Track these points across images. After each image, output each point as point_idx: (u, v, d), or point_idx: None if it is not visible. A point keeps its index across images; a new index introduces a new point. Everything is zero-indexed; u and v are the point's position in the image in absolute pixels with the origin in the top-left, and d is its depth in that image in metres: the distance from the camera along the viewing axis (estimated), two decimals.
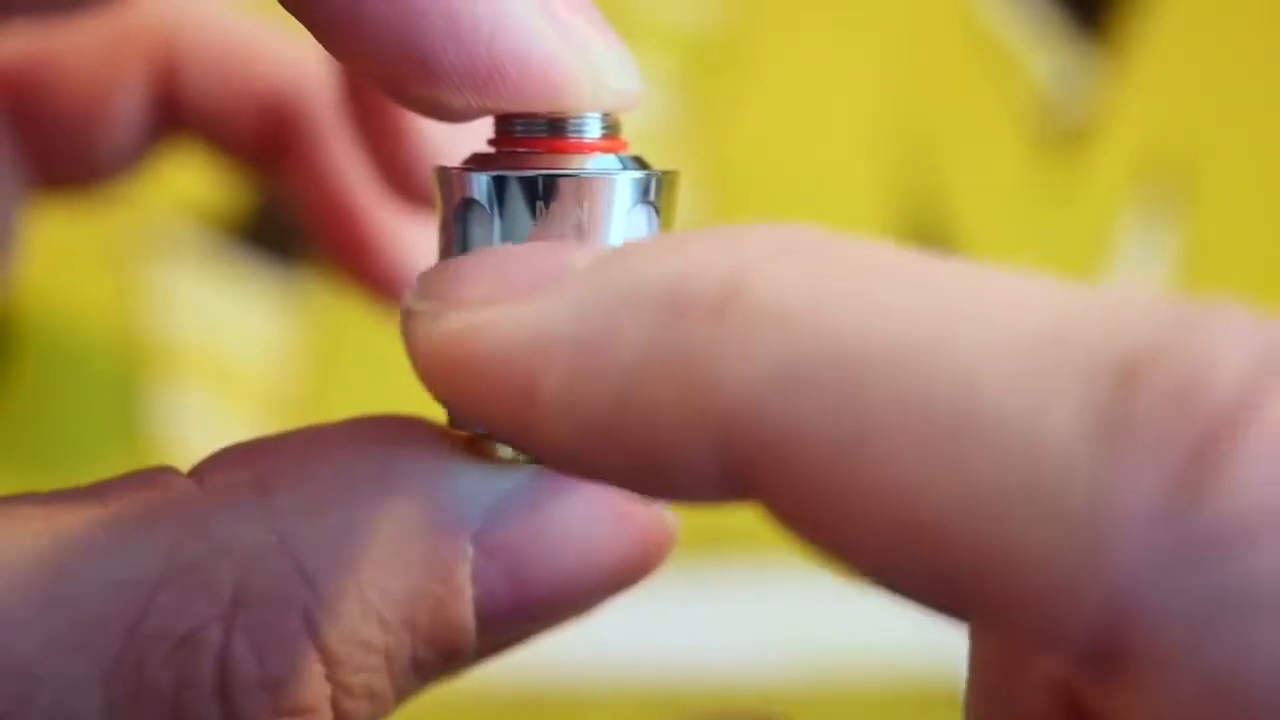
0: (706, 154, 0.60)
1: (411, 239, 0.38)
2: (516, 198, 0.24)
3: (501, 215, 0.24)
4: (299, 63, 0.38)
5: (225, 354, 0.60)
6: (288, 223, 0.59)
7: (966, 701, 0.24)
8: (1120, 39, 0.63)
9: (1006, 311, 0.19)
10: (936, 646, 0.61)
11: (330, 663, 0.24)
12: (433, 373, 0.23)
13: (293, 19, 0.24)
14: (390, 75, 0.24)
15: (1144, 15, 0.62)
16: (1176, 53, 0.62)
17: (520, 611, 0.25)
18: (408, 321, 0.23)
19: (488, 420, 0.22)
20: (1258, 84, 0.63)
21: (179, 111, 0.38)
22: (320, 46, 0.25)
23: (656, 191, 0.25)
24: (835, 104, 0.62)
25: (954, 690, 0.69)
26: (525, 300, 0.22)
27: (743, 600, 0.61)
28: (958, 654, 0.65)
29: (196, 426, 0.58)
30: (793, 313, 0.20)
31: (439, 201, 0.25)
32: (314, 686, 0.24)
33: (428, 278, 0.23)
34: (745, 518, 0.64)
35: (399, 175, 0.35)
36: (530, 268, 0.22)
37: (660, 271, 0.21)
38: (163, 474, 0.24)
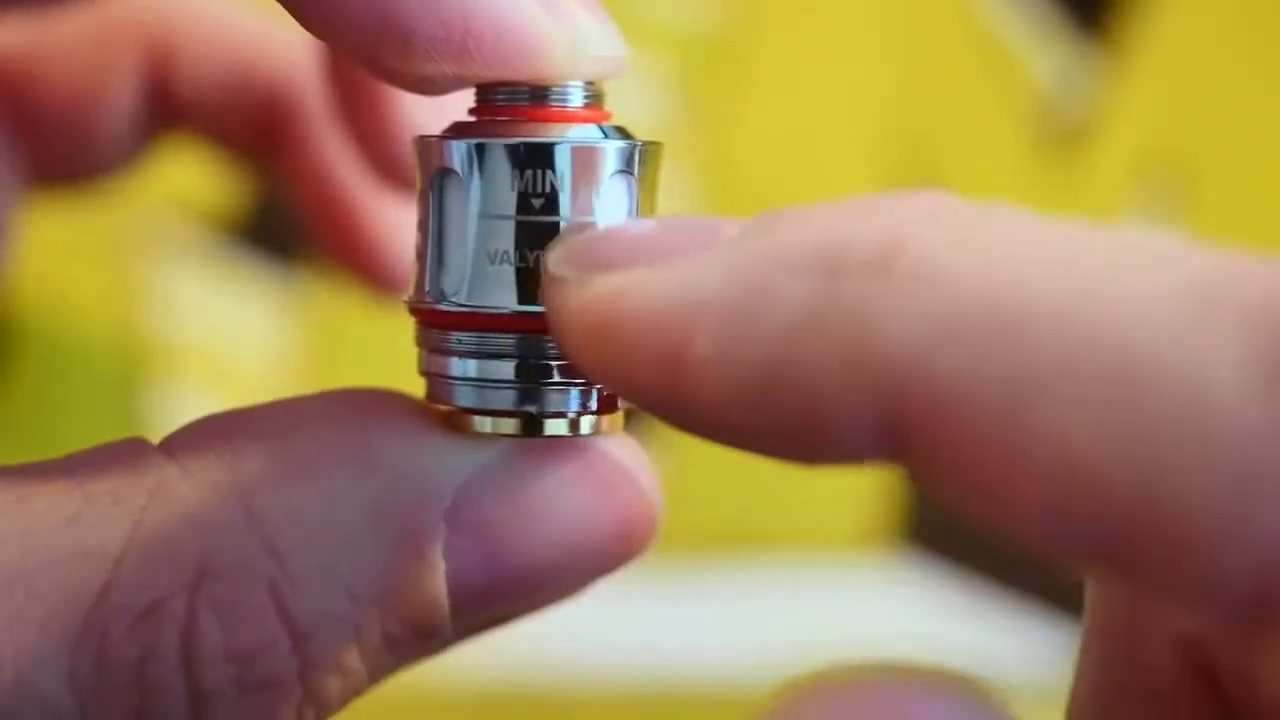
0: (706, 154, 0.60)
1: (403, 226, 0.38)
2: (495, 165, 0.24)
3: (480, 183, 0.24)
4: (291, 53, 0.38)
5: (225, 354, 0.60)
6: (288, 223, 0.59)
7: (1080, 664, 0.24)
8: (1120, 39, 0.63)
9: (1154, 267, 0.19)
10: (936, 647, 0.61)
11: (298, 637, 0.23)
12: (578, 338, 0.22)
13: (273, 2, 0.24)
14: (367, 47, 0.24)
15: (1144, 15, 0.62)
16: (1176, 53, 0.62)
17: (496, 589, 0.24)
18: (551, 288, 0.23)
19: (635, 385, 0.22)
20: (1258, 84, 0.63)
21: (173, 104, 0.38)
22: (305, 31, 0.24)
23: (637, 161, 0.25)
24: (835, 104, 0.62)
25: None
26: (675, 263, 0.22)
27: (742, 600, 0.61)
28: (957, 654, 0.65)
29: None
30: (951, 273, 0.20)
31: (417, 171, 0.25)
32: (282, 660, 0.23)
33: (570, 243, 0.23)
34: (744, 518, 0.64)
35: (388, 162, 0.35)
36: (678, 233, 0.22)
37: (814, 235, 0.21)
38: (133, 445, 0.24)
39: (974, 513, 0.20)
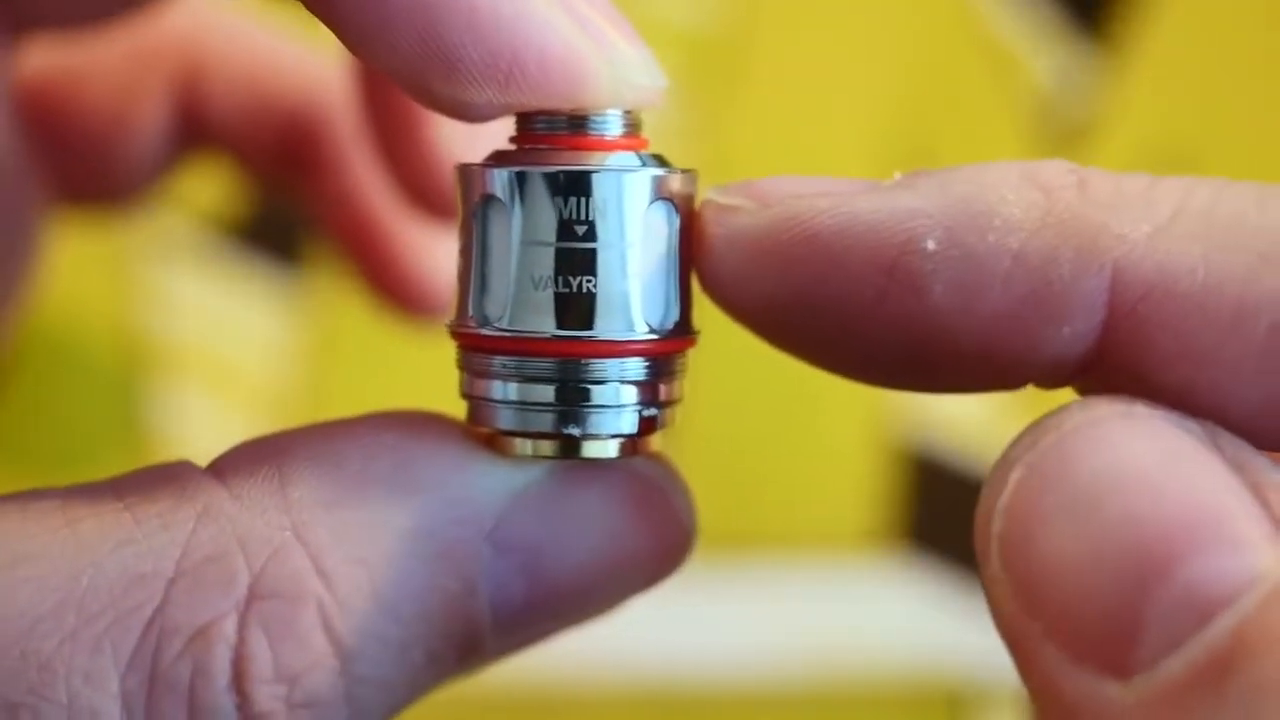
0: (707, 153, 0.60)
1: (431, 249, 0.38)
2: (537, 193, 0.24)
3: (522, 210, 0.24)
4: (320, 75, 0.38)
5: (225, 354, 0.60)
6: (288, 223, 0.59)
7: None
8: (1120, 39, 0.63)
9: None
10: (936, 646, 0.61)
11: (344, 656, 0.24)
12: (770, 250, 0.24)
13: (315, 22, 0.24)
14: (412, 72, 0.24)
15: (1144, 15, 0.63)
16: (1176, 52, 0.63)
17: (536, 608, 0.25)
18: (726, 215, 0.25)
19: (837, 293, 0.24)
20: (1257, 83, 0.63)
21: (202, 125, 0.38)
22: (342, 55, 0.25)
23: (676, 189, 0.25)
24: (835, 104, 0.62)
25: (954, 690, 0.69)
26: (876, 190, 0.24)
27: (743, 600, 0.61)
28: (957, 654, 0.65)
29: (196, 426, 0.58)
30: None
31: (460, 198, 0.25)
32: (329, 679, 0.24)
33: (735, 186, 0.25)
34: (744, 518, 0.63)
35: (419, 185, 0.35)
36: (848, 181, 0.25)
37: None
38: (181, 468, 0.25)
39: None
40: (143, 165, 0.38)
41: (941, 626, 0.61)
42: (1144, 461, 0.21)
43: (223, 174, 0.42)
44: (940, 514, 0.62)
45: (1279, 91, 0.63)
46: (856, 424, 0.62)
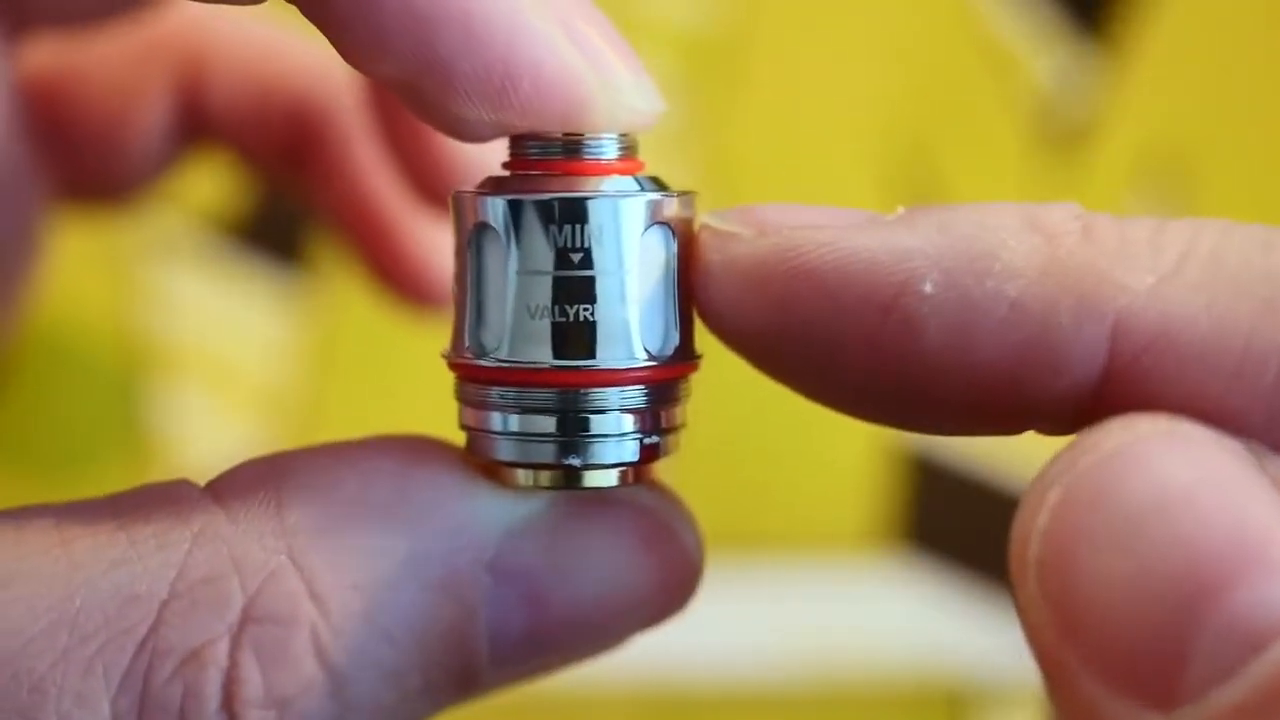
0: (706, 154, 0.60)
1: (437, 240, 0.38)
2: (532, 221, 0.24)
3: (517, 239, 0.24)
4: (323, 70, 0.38)
5: (225, 354, 0.60)
6: (288, 222, 0.59)
7: None
8: (1120, 39, 0.63)
9: None
10: (936, 646, 0.61)
11: (336, 681, 0.24)
12: (766, 280, 0.24)
13: (313, 27, 0.24)
14: (406, 85, 0.24)
15: (1143, 15, 0.62)
16: (1176, 53, 0.62)
17: (535, 638, 0.25)
18: (723, 241, 0.24)
19: (831, 319, 0.23)
20: (1256, 83, 0.63)
21: (205, 121, 0.38)
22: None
23: (673, 212, 0.25)
24: (835, 104, 0.62)
25: (954, 690, 0.69)
26: (875, 225, 0.23)
27: (743, 600, 0.61)
28: (957, 654, 0.65)
29: (196, 426, 0.58)
30: None
31: (453, 225, 0.25)
32: (319, 704, 0.23)
33: (733, 212, 0.25)
34: (744, 518, 0.63)
35: (425, 177, 0.35)
36: (848, 212, 0.24)
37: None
38: (179, 488, 0.24)
39: None
40: (145, 161, 0.38)
41: (941, 626, 0.61)
42: (1189, 483, 0.20)
43: (225, 170, 0.42)
44: (940, 514, 0.62)
45: (1279, 91, 0.63)
46: (857, 425, 0.62)
